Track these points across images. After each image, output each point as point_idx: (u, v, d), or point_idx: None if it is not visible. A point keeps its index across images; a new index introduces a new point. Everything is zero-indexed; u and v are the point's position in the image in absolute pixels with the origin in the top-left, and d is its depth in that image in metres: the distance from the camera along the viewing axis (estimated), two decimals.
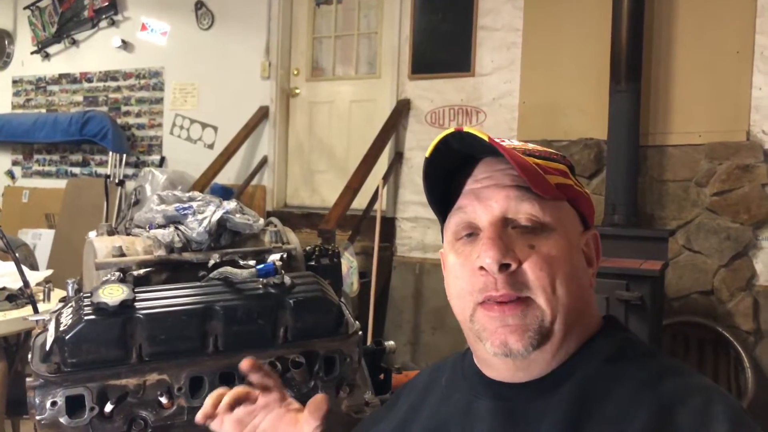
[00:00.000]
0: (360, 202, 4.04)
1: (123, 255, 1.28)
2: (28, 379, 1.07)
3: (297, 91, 4.99)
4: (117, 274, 1.23)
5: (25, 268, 2.22)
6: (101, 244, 1.30)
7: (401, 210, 4.40)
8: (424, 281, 4.20)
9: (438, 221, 0.83)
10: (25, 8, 6.04)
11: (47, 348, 1.09)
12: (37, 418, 1.05)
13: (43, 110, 6.01)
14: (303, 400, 1.20)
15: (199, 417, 0.92)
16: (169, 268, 1.31)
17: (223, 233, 1.36)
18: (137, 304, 1.12)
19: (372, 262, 3.81)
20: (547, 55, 3.96)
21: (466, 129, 0.73)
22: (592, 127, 3.76)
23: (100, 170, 5.69)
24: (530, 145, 0.79)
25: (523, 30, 4.03)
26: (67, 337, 1.06)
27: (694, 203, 3.58)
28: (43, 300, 2.34)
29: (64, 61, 5.93)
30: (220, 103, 5.11)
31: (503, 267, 0.71)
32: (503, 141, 0.75)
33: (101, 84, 5.72)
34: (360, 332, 1.29)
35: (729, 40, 3.52)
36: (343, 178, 4.18)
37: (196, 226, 1.32)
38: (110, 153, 5.37)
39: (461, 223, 0.77)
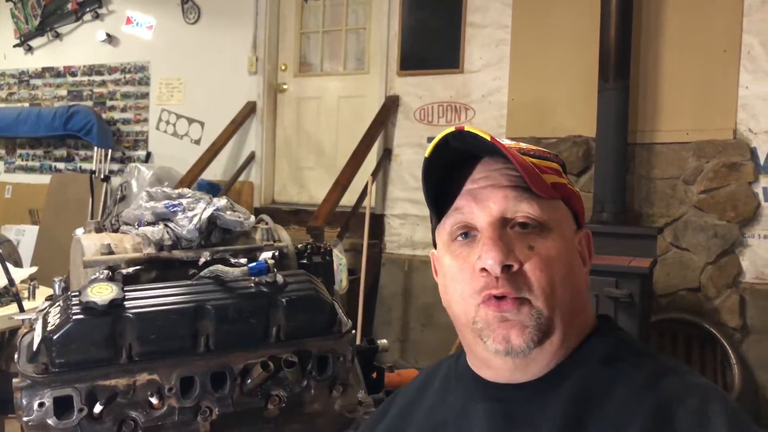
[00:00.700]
0: (349, 199, 4.03)
1: (111, 253, 1.25)
2: (14, 380, 1.04)
3: (285, 86, 4.96)
4: (105, 272, 1.20)
5: (9, 265, 2.19)
6: (89, 242, 1.27)
7: (390, 207, 4.39)
8: (413, 278, 4.20)
9: (428, 219, 0.83)
10: (7, 0, 5.94)
11: (34, 348, 1.07)
12: (25, 419, 1.03)
13: (26, 104, 5.92)
14: (296, 399, 1.19)
15: None
16: (159, 267, 1.28)
17: (213, 231, 1.35)
18: (127, 304, 1.10)
19: (361, 259, 3.80)
20: (535, 52, 3.97)
21: (467, 128, 0.73)
22: (581, 125, 3.77)
23: (85, 165, 5.63)
24: (523, 144, 0.79)
25: (512, 27, 4.04)
26: (55, 337, 1.04)
27: (681, 201, 3.60)
28: (29, 298, 2.31)
29: (48, 54, 5.85)
30: (207, 98, 5.06)
31: (505, 268, 0.71)
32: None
33: (86, 78, 5.65)
34: (353, 331, 1.28)
35: (716, 38, 3.54)
36: (331, 175, 4.17)
37: (186, 224, 1.30)
38: (95, 148, 5.30)
39: (457, 223, 0.76)
